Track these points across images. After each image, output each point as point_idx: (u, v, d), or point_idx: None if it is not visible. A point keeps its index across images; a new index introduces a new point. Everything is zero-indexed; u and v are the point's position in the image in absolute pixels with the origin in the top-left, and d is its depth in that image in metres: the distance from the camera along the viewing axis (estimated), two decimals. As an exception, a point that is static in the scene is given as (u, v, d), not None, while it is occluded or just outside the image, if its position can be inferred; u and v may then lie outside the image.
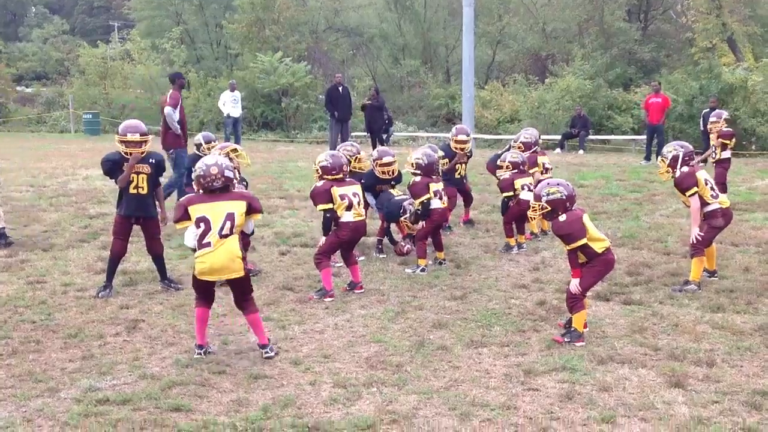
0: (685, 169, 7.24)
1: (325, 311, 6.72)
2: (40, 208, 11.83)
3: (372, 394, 4.89)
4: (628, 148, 23.62)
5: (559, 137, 23.56)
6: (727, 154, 12.08)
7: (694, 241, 7.25)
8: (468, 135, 10.26)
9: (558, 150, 22.63)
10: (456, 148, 10.00)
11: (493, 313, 6.59)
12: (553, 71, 29.99)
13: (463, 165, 10.30)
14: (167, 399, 4.77)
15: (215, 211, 5.39)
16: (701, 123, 19.36)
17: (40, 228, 10.28)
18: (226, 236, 5.37)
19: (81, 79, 36.69)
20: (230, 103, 22.99)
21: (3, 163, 18.77)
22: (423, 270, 8.02)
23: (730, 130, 12.38)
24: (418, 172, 8.14)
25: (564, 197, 5.87)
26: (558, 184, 5.95)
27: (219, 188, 5.47)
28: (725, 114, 12.41)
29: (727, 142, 12.03)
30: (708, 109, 19.27)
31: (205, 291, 5.60)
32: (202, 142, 9.51)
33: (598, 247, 5.88)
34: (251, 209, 5.57)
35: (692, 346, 5.70)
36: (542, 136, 24.46)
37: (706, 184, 7.27)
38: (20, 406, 4.68)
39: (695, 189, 7.18)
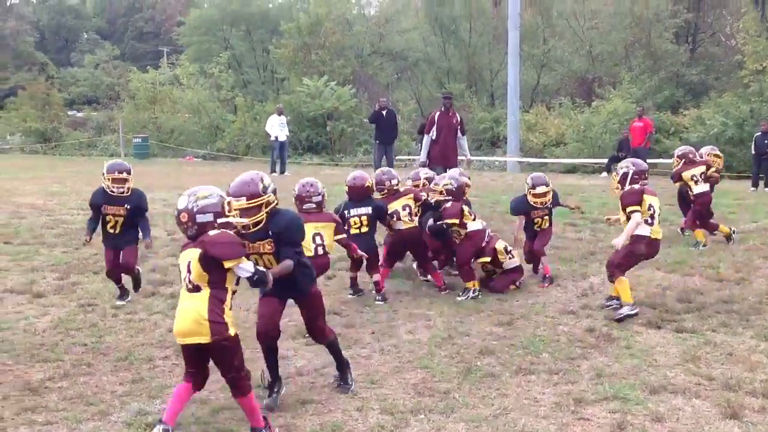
0: (636, 187, 7.33)
1: (371, 336, 6.71)
2: (92, 230, 12.02)
3: (420, 421, 4.86)
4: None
5: (606, 161, 23.33)
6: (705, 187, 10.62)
7: (613, 258, 7.36)
8: (548, 185, 8.93)
9: (604, 174, 22.42)
10: (535, 203, 8.85)
11: (541, 340, 6.52)
12: (600, 94, 29.79)
13: (544, 218, 9.01)
14: (216, 423, 4.79)
15: (182, 260, 4.50)
16: (752, 147, 19.07)
17: (91, 251, 10.43)
18: (191, 291, 4.44)
19: (131, 104, 37.40)
20: (277, 127, 23.31)
21: (56, 186, 19.18)
22: (475, 293, 7.96)
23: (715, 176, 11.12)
24: (450, 198, 8.17)
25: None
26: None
27: (192, 236, 4.47)
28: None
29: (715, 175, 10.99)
30: (760, 133, 18.98)
31: (188, 359, 4.61)
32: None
33: None
34: (208, 257, 4.35)
35: (747, 376, 5.56)
36: (589, 160, 24.45)
37: (650, 209, 7.28)
38: (72, 429, 4.74)
39: (637, 208, 7.22)
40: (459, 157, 12.76)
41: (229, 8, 42.57)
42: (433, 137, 12.63)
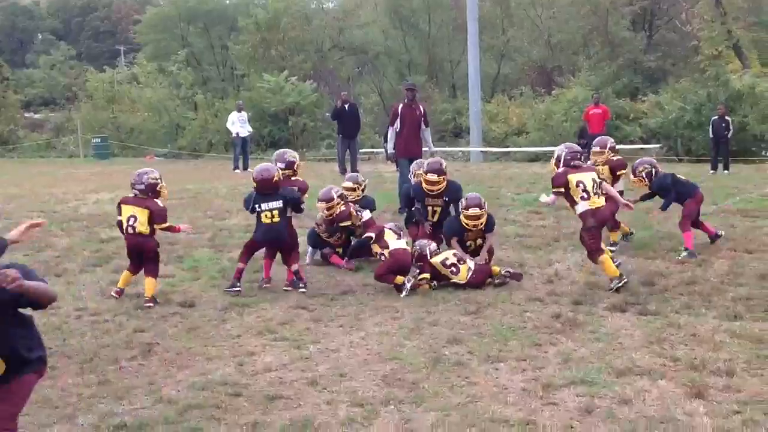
0: (561, 169, 7.80)
1: (339, 329, 6.69)
2: (52, 233, 11.84)
3: (390, 412, 4.86)
4: (637, 158, 23.52)
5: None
6: (620, 186, 9.71)
7: (585, 245, 7.84)
8: (482, 207, 8.46)
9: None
10: (466, 224, 8.48)
11: (508, 328, 6.55)
12: (560, 83, 30.04)
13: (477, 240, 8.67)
14: (184, 423, 4.75)
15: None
16: (710, 130, 19.37)
17: (52, 253, 10.30)
18: None
19: (89, 104, 36.92)
20: (238, 123, 23.17)
21: (14, 189, 18.86)
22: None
23: (621, 159, 10.09)
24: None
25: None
26: None
27: None
28: (611, 142, 10.05)
29: (622, 172, 9.82)
30: (717, 117, 19.29)
31: None
32: None
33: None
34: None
35: (711, 356, 5.64)
36: (551, 148, 24.64)
37: (578, 185, 7.66)
38: (37, 433, 4.67)
39: (559, 189, 7.77)
40: (423, 149, 12.73)
41: (186, 5, 42.09)
42: (397, 129, 12.56)
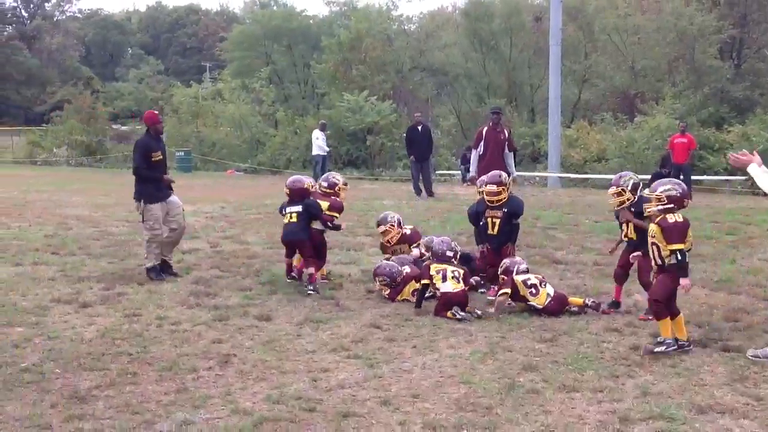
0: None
1: (413, 350, 6.69)
2: (136, 242, 12.19)
3: (462, 436, 4.83)
4: (722, 189, 22.97)
5: (648, 177, 23.06)
6: None
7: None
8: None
9: (647, 190, 22.16)
10: (488, 201, 8.97)
11: (584, 357, 6.45)
12: (642, 110, 29.51)
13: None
14: (259, 435, 4.81)
15: None
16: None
17: (136, 262, 10.60)
18: None
19: (174, 118, 37.94)
20: (321, 141, 23.59)
21: (102, 198, 19.51)
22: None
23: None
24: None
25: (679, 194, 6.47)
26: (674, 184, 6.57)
27: None
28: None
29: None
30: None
31: None
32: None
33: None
34: None
35: (798, 397, 5.44)
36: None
37: None
38: (118, 436, 4.80)
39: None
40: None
41: (271, 24, 43.00)
42: (481, 152, 12.57)
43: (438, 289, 8.00)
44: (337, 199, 9.66)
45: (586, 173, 26.54)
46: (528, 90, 37.80)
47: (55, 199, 19.31)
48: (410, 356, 6.52)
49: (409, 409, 5.30)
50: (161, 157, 9.74)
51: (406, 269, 8.70)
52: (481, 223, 9.07)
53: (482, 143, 12.53)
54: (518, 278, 8.01)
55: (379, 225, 9.87)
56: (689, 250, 6.58)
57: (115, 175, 30.29)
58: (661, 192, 6.58)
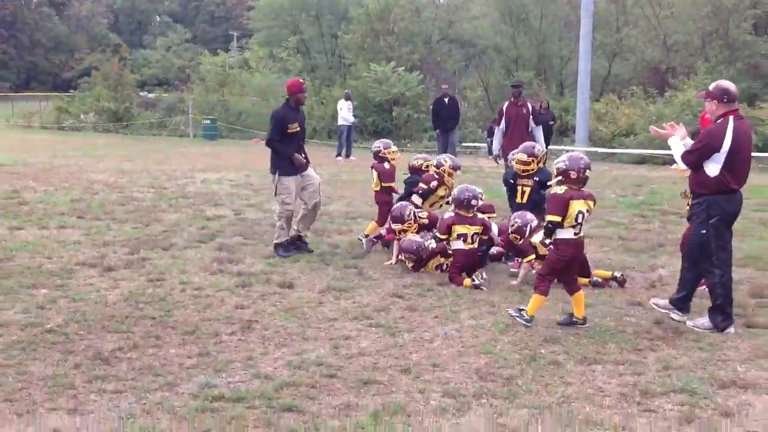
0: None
1: (434, 320, 6.69)
2: (161, 208, 12.28)
3: (482, 405, 4.83)
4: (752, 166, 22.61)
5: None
6: None
7: None
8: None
9: (674, 165, 21.89)
10: (518, 169, 9.04)
11: (607, 330, 6.41)
12: (674, 84, 29.06)
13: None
14: (279, 399, 4.84)
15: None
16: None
17: (160, 228, 10.67)
18: None
19: (201, 86, 37.94)
20: (346, 111, 23.47)
21: (127, 164, 19.64)
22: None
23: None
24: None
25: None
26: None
27: None
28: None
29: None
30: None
31: None
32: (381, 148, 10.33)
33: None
34: None
35: (823, 375, 5.38)
36: (659, 151, 23.94)
37: None
38: (140, 398, 4.84)
39: None
40: None
41: (300, -7, 42.76)
42: (503, 129, 12.28)
43: (450, 247, 8.17)
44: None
45: (613, 147, 26.24)
46: (557, 63, 37.29)
47: (82, 164, 19.46)
48: (432, 326, 6.52)
49: (429, 377, 5.30)
50: (298, 129, 9.22)
51: (432, 244, 8.63)
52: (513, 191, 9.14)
53: (503, 119, 12.24)
54: (534, 239, 7.96)
55: (395, 222, 9.16)
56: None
57: (140, 142, 30.45)
58: (554, 164, 6.61)
